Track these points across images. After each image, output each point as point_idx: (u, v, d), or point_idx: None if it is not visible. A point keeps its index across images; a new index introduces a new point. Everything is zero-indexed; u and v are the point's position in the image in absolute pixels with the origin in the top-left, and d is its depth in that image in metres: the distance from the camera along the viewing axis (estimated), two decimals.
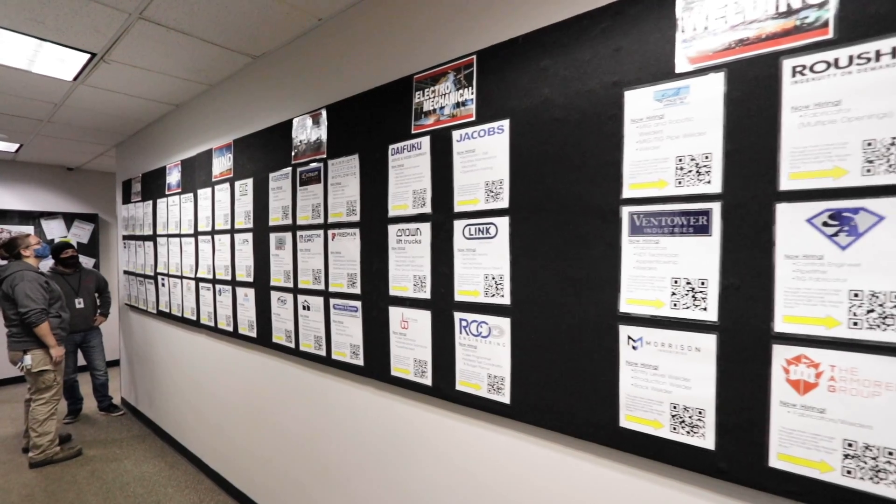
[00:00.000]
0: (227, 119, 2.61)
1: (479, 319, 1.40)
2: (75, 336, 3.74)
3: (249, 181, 2.36)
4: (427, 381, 1.55)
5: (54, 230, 5.24)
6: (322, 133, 1.93)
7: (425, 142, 1.53)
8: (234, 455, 2.63)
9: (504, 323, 1.34)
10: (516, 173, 1.31)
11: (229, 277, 2.53)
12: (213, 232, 2.67)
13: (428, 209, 1.53)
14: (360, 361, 1.79)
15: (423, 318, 1.55)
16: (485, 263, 1.38)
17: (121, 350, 4.38)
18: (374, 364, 1.73)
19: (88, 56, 2.30)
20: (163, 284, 3.31)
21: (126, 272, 4.02)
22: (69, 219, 5.34)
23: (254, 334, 2.37)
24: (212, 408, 2.83)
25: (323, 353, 1.95)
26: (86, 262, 5.21)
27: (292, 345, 2.12)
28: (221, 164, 2.60)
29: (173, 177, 3.13)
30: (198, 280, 2.84)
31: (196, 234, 2.85)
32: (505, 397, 1.34)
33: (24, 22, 1.98)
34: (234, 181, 2.48)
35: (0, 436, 3.64)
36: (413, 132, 1.57)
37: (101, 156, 4.72)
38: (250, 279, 2.37)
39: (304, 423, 2.11)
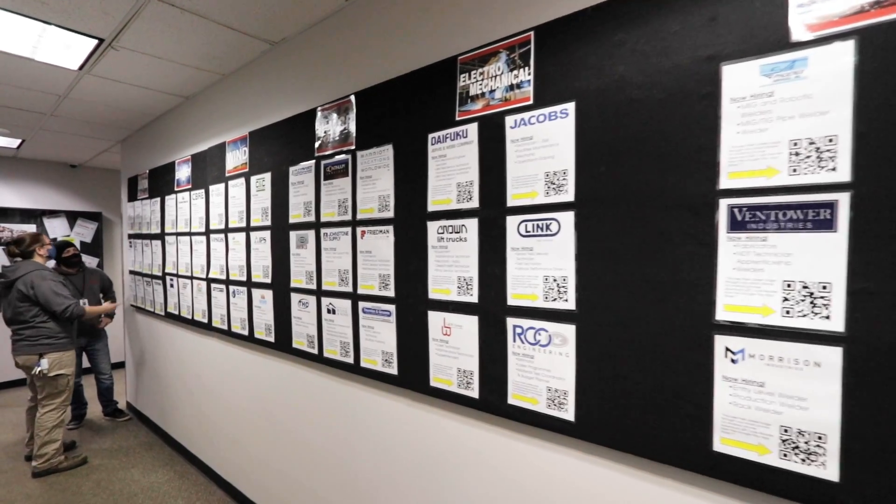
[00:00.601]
0: (241, 110, 2.47)
1: (536, 326, 1.25)
2: (80, 339, 3.60)
3: (267, 176, 2.22)
4: (473, 393, 1.40)
5: (57, 229, 5.09)
6: (350, 123, 1.78)
7: (472, 129, 1.39)
8: (248, 465, 2.49)
9: (568, 330, 1.20)
10: (583, 162, 1.16)
11: (244, 278, 2.39)
12: (226, 230, 2.53)
13: (475, 203, 1.38)
14: (393, 370, 1.64)
15: (469, 323, 1.40)
16: (544, 264, 1.24)
17: (126, 353, 4.24)
18: (411, 373, 1.58)
19: (96, 42, 2.16)
20: (171, 285, 3.16)
21: (132, 272, 3.88)
22: (72, 217, 5.20)
23: (271, 339, 2.23)
24: (224, 415, 2.68)
25: (350, 360, 1.81)
26: (89, 261, 5.08)
27: (315, 351, 1.97)
28: (236, 158, 2.45)
29: (183, 172, 2.99)
30: (209, 281, 2.70)
31: (208, 232, 2.71)
32: (568, 413, 1.20)
33: (28, 3, 1.84)
34: (249, 176, 2.34)
35: (1, 443, 3.50)
36: (457, 119, 1.43)
37: (106, 152, 4.58)
38: (268, 280, 2.22)
39: (328, 434, 1.96)
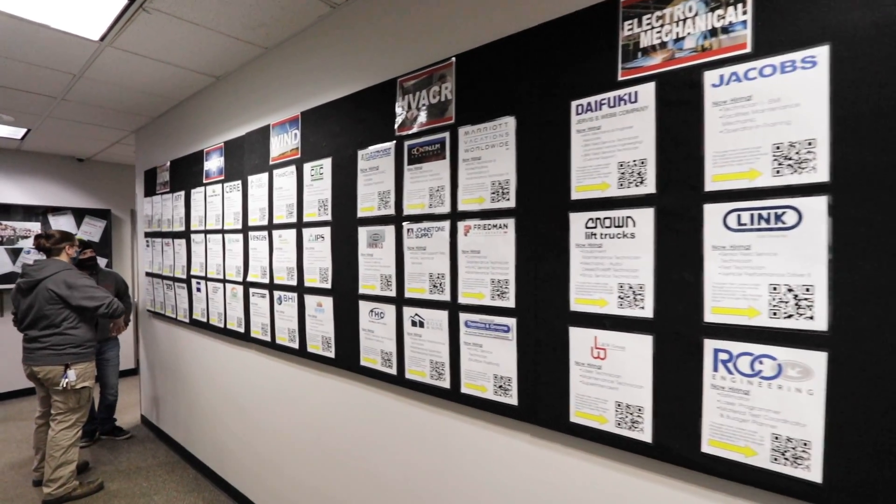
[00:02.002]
0: (291, 87, 2.13)
1: (755, 352, 0.93)
2: None
3: (326, 162, 1.88)
4: (642, 435, 1.07)
5: (63, 227, 4.73)
6: (447, 92, 1.45)
7: (645, 92, 1.06)
8: (293, 495, 2.15)
9: (813, 359, 0.87)
10: (843, 129, 0.84)
11: (294, 282, 2.05)
12: (270, 226, 2.19)
13: (648, 188, 1.06)
14: (510, 399, 1.31)
15: (638, 345, 1.08)
16: (771, 267, 0.91)
17: (140, 362, 3.89)
18: (539, 404, 1.25)
19: (126, 1, 1.82)
20: (198, 289, 2.82)
21: (149, 274, 3.53)
22: (79, 214, 4.84)
23: (330, 354, 1.89)
24: (264, 438, 2.35)
25: (445, 384, 1.48)
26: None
27: (392, 370, 1.64)
28: (283, 143, 2.12)
29: (213, 162, 2.65)
30: (248, 285, 2.36)
31: (246, 229, 2.37)
32: (812, 473, 0.87)
33: None
34: (302, 163, 2.00)
35: (5, 464, 3.15)
36: (620, 79, 1.10)
37: (116, 145, 4.23)
38: (327, 285, 1.89)
39: (408, 470, 1.63)
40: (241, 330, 2.44)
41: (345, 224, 1.80)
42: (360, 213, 1.73)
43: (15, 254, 4.47)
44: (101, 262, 4.91)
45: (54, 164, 4.75)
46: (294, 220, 2.05)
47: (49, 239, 2.65)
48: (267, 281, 2.23)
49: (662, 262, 1.04)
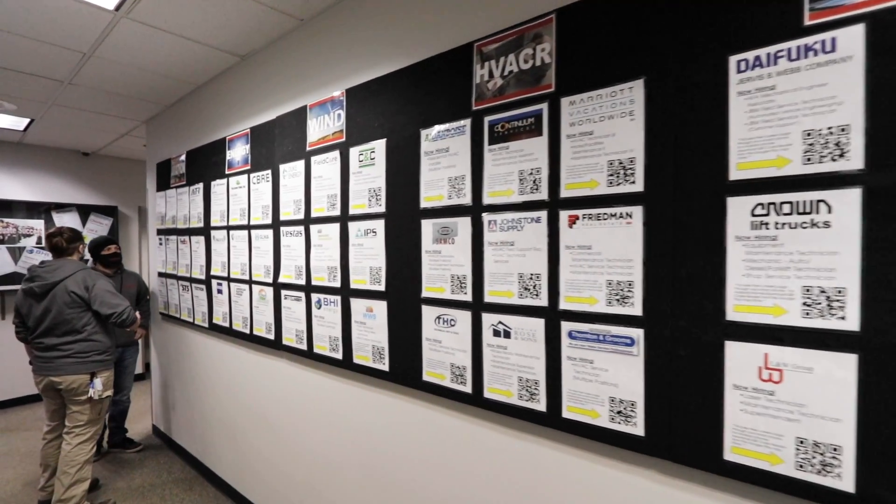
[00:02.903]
0: (333, 62, 1.88)
1: None
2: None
3: (378, 145, 1.64)
4: (839, 482, 0.83)
5: (67, 224, 4.48)
6: (544, 54, 1.21)
7: (848, 37, 0.81)
8: None
9: None
10: None
11: (337, 283, 1.81)
12: (307, 221, 1.94)
13: (853, 163, 0.81)
14: (635, 428, 1.07)
15: (835, 366, 0.83)
16: None
17: (152, 368, 3.64)
18: (675, 435, 1.01)
19: None
20: (219, 291, 2.57)
21: (161, 274, 3.28)
22: (84, 211, 4.60)
23: (382, 366, 1.65)
24: (296, 458, 2.10)
25: (539, 406, 1.23)
26: None
27: (465, 388, 1.39)
28: (323, 126, 1.87)
29: (237, 151, 2.40)
30: (279, 286, 2.12)
31: (277, 224, 2.12)
32: None
33: None
34: (347, 147, 1.76)
35: (8, 479, 2.90)
36: (808, 24, 0.85)
37: (125, 137, 3.99)
38: (379, 287, 1.64)
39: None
40: (271, 337, 2.19)
41: (403, 216, 1.55)
42: (425, 204, 1.49)
43: (17, 253, 4.22)
44: None
45: (59, 159, 4.50)
46: (337, 212, 1.80)
47: (63, 235, 2.42)
48: (303, 282, 1.98)
49: (873, 259, 0.79)
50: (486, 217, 1.33)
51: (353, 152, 1.73)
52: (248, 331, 2.36)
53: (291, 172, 2.03)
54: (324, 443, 1.95)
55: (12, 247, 4.19)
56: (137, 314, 2.47)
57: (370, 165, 1.67)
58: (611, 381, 1.10)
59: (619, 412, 1.09)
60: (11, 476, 2.95)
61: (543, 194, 1.21)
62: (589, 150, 1.13)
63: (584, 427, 1.15)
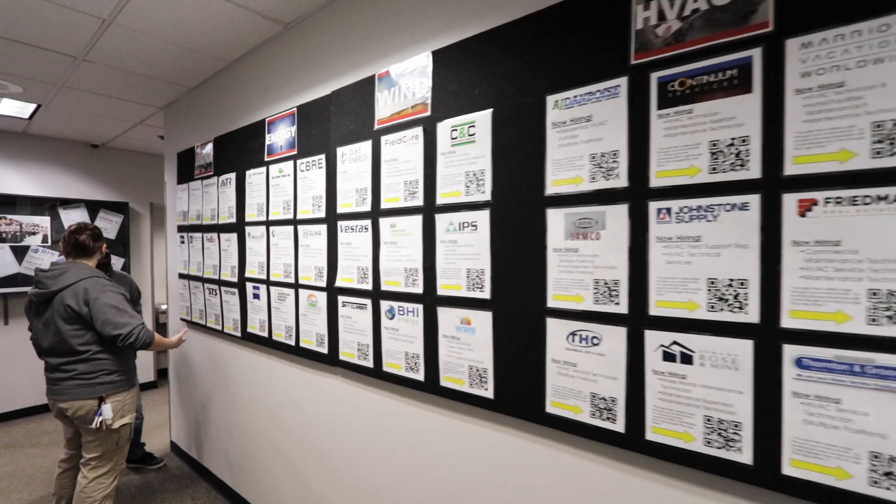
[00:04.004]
0: (408, 20, 1.56)
1: None
2: None
3: (480, 118, 1.32)
4: None
5: (76, 221, 4.16)
6: None
7: None
8: None
9: None
10: None
11: (418, 289, 1.49)
12: (375, 213, 1.63)
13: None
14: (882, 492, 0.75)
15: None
16: None
17: (170, 379, 3.32)
18: None
19: None
20: (256, 295, 2.25)
21: (182, 276, 2.96)
22: (93, 208, 4.27)
23: (484, 392, 1.32)
24: (356, 497, 1.78)
25: (741, 456, 0.91)
26: (114, 262, 4.14)
27: (615, 426, 1.08)
28: (398, 99, 1.55)
29: (280, 134, 2.08)
30: (334, 291, 1.80)
31: (333, 217, 1.80)
32: None
33: None
34: (433, 122, 1.44)
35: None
36: None
37: (140, 125, 3.66)
38: (480, 294, 1.32)
39: None
40: (323, 350, 1.87)
41: (518, 205, 1.24)
42: (553, 189, 1.17)
43: (21, 252, 3.89)
44: (118, 262, 4.34)
45: (66, 151, 4.17)
46: (419, 202, 1.48)
47: (88, 232, 2.07)
48: (368, 287, 1.66)
49: None
50: (653, 205, 1.01)
51: (443, 128, 1.41)
52: (292, 342, 2.03)
53: (353, 156, 1.71)
54: (394, 479, 1.63)
55: (16, 246, 3.87)
56: (155, 333, 2.05)
57: (468, 143, 1.35)
58: (872, 430, 0.79)
59: (887, 473, 0.77)
60: (17, 501, 2.63)
61: (753, 171, 0.89)
62: (837, 109, 0.81)
63: (823, 490, 0.83)
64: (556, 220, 1.16)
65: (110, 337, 1.91)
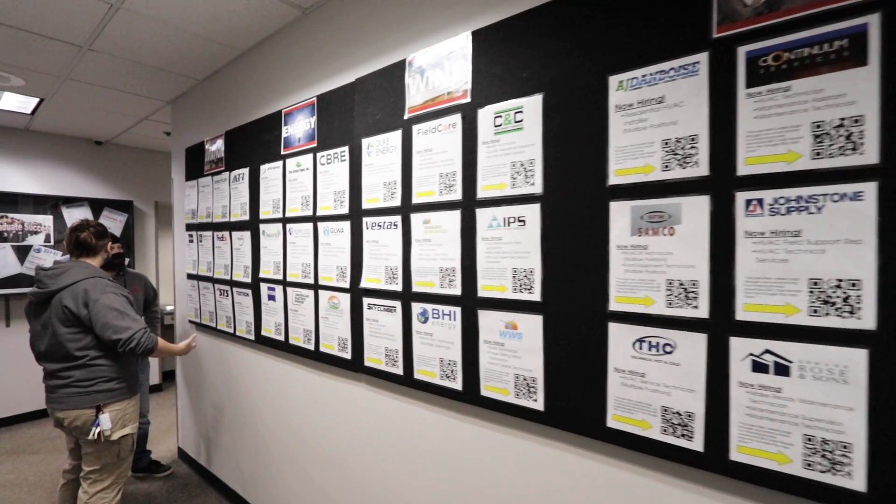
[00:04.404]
0: (446, 1, 1.44)
1: None
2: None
3: (529, 103, 1.20)
4: None
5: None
6: None
7: None
8: None
9: None
10: None
11: (455, 290, 1.37)
12: (405, 209, 1.51)
13: None
14: None
15: None
16: None
17: (178, 384, 3.20)
18: None
19: None
20: (271, 297, 2.14)
21: (191, 276, 2.85)
22: (97, 206, 4.16)
23: (533, 403, 1.21)
24: None
25: (855, 483, 0.80)
26: None
27: (694, 444, 0.96)
28: (432, 85, 1.43)
29: (298, 126, 1.97)
30: (359, 293, 1.68)
31: (357, 213, 1.69)
32: None
33: None
34: (474, 109, 1.32)
35: None
36: None
37: (145, 121, 3.55)
38: (529, 295, 1.21)
39: None
40: (345, 355, 1.76)
41: (574, 197, 1.12)
42: (617, 179, 1.05)
43: (23, 252, 3.78)
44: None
45: (69, 148, 4.06)
46: (457, 196, 1.36)
47: (91, 230, 1.95)
48: (398, 288, 1.54)
49: None
50: (740, 196, 0.89)
51: (485, 115, 1.30)
52: (311, 347, 1.92)
53: (380, 147, 1.60)
54: (426, 494, 1.51)
55: (18, 245, 3.75)
56: (159, 339, 1.92)
57: (514, 131, 1.23)
58: None
59: None
60: None
61: (869, 156, 0.77)
62: None
63: None
64: (621, 213, 1.04)
65: (110, 342, 1.79)
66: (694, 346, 0.95)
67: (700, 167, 0.94)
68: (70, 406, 1.81)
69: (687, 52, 0.95)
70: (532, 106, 1.20)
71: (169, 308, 4.31)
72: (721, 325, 0.92)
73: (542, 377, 1.19)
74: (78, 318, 1.78)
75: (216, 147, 2.54)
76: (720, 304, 0.92)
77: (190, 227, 2.84)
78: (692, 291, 0.95)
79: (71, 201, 4.02)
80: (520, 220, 1.22)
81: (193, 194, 2.79)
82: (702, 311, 0.94)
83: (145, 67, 2.54)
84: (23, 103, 3.15)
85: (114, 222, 4.23)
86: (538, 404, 1.20)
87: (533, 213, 1.20)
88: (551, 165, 1.16)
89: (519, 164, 1.22)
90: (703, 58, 0.94)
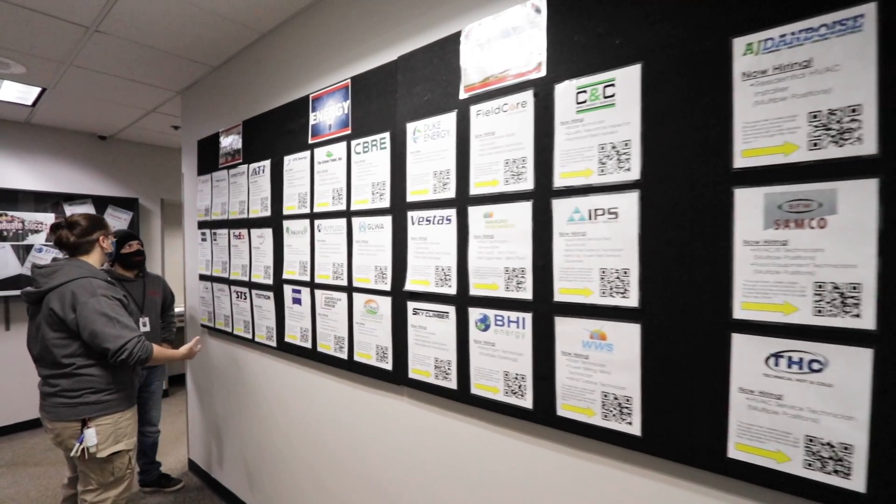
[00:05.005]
0: None
1: None
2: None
3: (623, 74, 1.02)
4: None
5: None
6: None
7: None
8: None
9: None
10: None
11: (525, 294, 1.19)
12: (461, 201, 1.33)
13: None
14: None
15: None
16: None
17: (189, 391, 3.02)
18: None
19: None
20: (296, 300, 1.96)
21: (204, 277, 2.67)
22: (101, 204, 3.98)
23: (628, 427, 1.03)
24: None
25: None
26: None
27: (852, 482, 0.78)
28: (497, 57, 1.26)
29: (328, 111, 1.79)
30: (402, 296, 1.50)
31: (400, 207, 1.51)
32: None
33: None
34: (550, 84, 1.14)
35: None
36: None
37: (153, 113, 3.37)
38: (623, 300, 1.03)
39: None
40: (385, 366, 1.58)
41: (684, 186, 0.94)
42: (744, 162, 0.87)
43: (24, 252, 3.60)
44: None
45: (71, 142, 3.88)
46: (527, 185, 1.19)
47: (74, 229, 1.76)
48: (450, 291, 1.36)
49: None
50: None
51: (564, 91, 1.12)
52: (343, 355, 1.74)
53: (429, 132, 1.42)
54: None
55: (17, 244, 3.57)
56: (153, 346, 1.73)
57: (603, 108, 1.06)
58: None
59: None
60: None
61: None
62: None
63: None
64: (751, 202, 0.87)
65: (99, 351, 1.64)
66: (853, 364, 0.78)
67: (864, 144, 0.76)
68: (55, 417, 1.67)
69: (846, 3, 0.78)
70: (627, 78, 1.02)
71: (178, 310, 4.12)
72: (893, 339, 0.74)
73: (640, 396, 1.02)
74: (64, 322, 1.62)
75: (232, 138, 2.36)
76: (891, 312, 0.74)
77: (203, 225, 2.66)
78: (851, 297, 0.78)
79: (73, 199, 3.83)
80: (610, 212, 1.05)
81: (207, 189, 2.61)
82: (865, 320, 0.77)
83: (156, 52, 2.36)
84: (23, 93, 2.97)
85: (118, 220, 4.04)
86: (633, 428, 1.03)
87: (629, 203, 1.02)
88: (653, 147, 0.99)
89: (609, 147, 1.05)
90: (869, 9, 0.76)
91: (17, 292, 3.52)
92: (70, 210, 3.79)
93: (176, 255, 4.50)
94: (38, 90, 2.92)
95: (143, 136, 4.05)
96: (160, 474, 2.77)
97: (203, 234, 2.67)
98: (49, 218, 3.70)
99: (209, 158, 2.58)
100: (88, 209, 3.87)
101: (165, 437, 3.43)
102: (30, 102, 3.14)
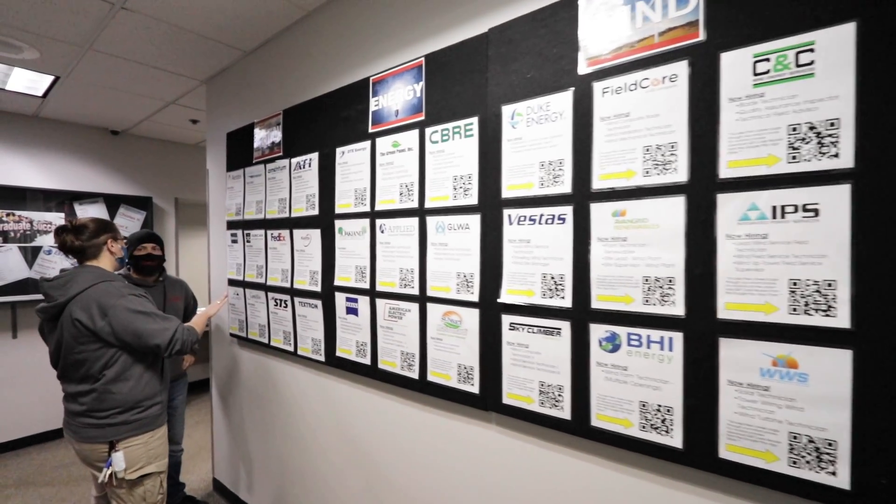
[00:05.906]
0: None
1: None
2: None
3: (823, 37, 0.82)
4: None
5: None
6: None
7: None
8: None
9: None
10: None
11: (675, 309, 0.98)
12: (579, 197, 1.12)
13: None
14: None
15: None
16: None
17: (214, 408, 2.80)
18: None
19: None
20: (351, 310, 1.74)
21: (234, 283, 2.45)
22: (113, 203, 3.75)
23: (829, 478, 0.82)
24: None
25: None
26: None
27: None
28: (629, 25, 1.05)
29: (394, 95, 1.57)
30: (496, 308, 1.29)
31: (492, 205, 1.29)
32: None
33: None
34: (714, 51, 0.93)
35: None
36: None
37: (172, 105, 3.15)
38: (825, 320, 0.82)
39: None
40: (471, 389, 1.37)
41: None
42: None
43: (32, 254, 3.37)
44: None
45: (83, 138, 3.65)
46: (678, 177, 0.98)
47: (80, 233, 1.59)
48: (564, 303, 1.15)
49: None
50: None
51: (735, 60, 0.91)
52: (413, 375, 1.53)
53: (535, 115, 1.21)
54: None
55: (25, 246, 3.34)
56: (194, 326, 1.73)
57: (796, 79, 0.84)
58: None
59: None
60: None
61: None
62: None
63: None
64: None
65: (149, 348, 1.53)
66: None
67: None
68: (82, 438, 1.54)
69: None
70: (834, 40, 0.81)
71: None
72: None
73: (849, 441, 0.81)
74: (93, 331, 1.49)
75: (270, 130, 2.14)
76: None
77: (233, 225, 2.44)
78: None
79: (84, 197, 3.61)
80: (807, 210, 0.84)
81: (238, 186, 2.39)
82: None
83: (185, 34, 2.14)
84: (34, 82, 2.75)
85: (131, 220, 3.82)
86: (838, 480, 0.82)
87: (835, 198, 0.81)
88: (875, 127, 0.78)
89: (805, 127, 0.84)
90: None
91: (25, 297, 3.29)
92: (80, 209, 3.56)
93: (191, 258, 4.28)
94: (50, 79, 2.69)
95: (158, 132, 3.82)
96: (184, 496, 2.55)
97: (233, 234, 2.44)
98: (58, 218, 3.47)
99: (241, 152, 2.36)
100: (100, 208, 3.65)
101: (187, 452, 3.21)
102: (41, 93, 2.91)
